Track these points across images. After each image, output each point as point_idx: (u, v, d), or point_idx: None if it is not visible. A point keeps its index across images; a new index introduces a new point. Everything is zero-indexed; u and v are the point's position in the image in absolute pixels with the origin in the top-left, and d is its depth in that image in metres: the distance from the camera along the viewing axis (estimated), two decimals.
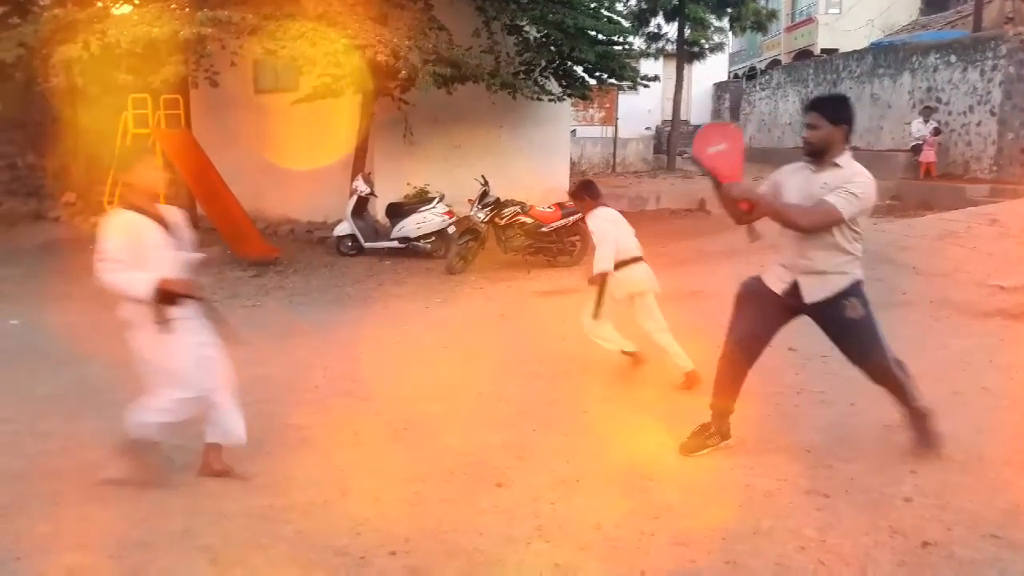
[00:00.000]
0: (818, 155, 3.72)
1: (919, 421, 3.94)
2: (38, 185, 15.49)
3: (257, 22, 9.16)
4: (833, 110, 3.73)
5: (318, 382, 5.44)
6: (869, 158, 17.52)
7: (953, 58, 15.64)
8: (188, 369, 3.70)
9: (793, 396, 4.76)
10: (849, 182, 3.61)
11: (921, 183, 14.77)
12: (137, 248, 3.63)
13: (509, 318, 7.33)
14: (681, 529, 3.33)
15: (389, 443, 4.34)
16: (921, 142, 15.09)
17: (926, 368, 5.17)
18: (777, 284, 3.85)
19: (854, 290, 3.75)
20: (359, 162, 11.56)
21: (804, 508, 3.48)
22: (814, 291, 3.75)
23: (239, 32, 9.10)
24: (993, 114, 14.40)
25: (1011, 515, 3.36)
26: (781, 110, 24.00)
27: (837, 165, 3.69)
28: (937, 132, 15.02)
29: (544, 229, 9.67)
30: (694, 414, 4.33)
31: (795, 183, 3.81)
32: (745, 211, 3.82)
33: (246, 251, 10.31)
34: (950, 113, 15.52)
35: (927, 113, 15.32)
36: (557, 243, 9.74)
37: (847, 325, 3.77)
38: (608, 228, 5.20)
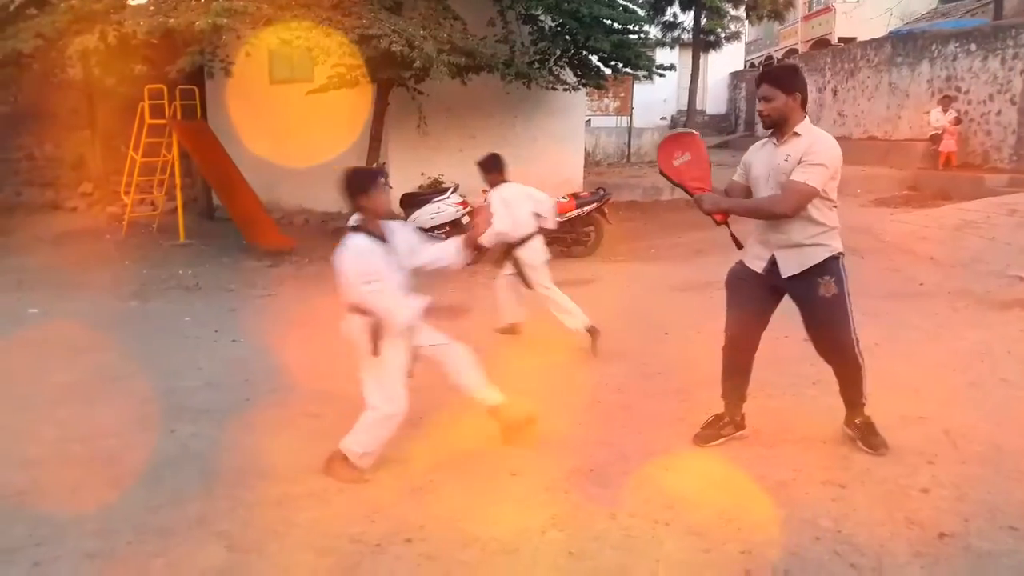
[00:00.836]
0: (778, 127, 3.71)
1: (865, 424, 3.92)
2: (55, 175, 15.61)
3: (272, 12, 9.17)
4: (785, 80, 3.70)
5: (332, 371, 5.45)
6: (887, 148, 17.40)
7: (973, 46, 15.45)
8: (398, 388, 3.76)
9: (809, 387, 4.73)
10: (809, 152, 3.58)
11: (939, 173, 14.62)
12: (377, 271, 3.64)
13: (523, 307, 7.31)
14: (695, 519, 3.32)
15: (403, 431, 4.33)
16: (940, 131, 14.93)
17: (944, 359, 5.15)
18: (757, 263, 3.85)
19: (831, 266, 3.71)
20: (373, 152, 11.57)
21: (820, 498, 3.46)
22: (790, 264, 3.73)
23: (254, 22, 9.11)
24: (1013, 103, 14.23)
25: None
26: None
27: (797, 134, 3.67)
28: (958, 121, 14.86)
29: (558, 219, 9.63)
30: (710, 404, 4.32)
31: (760, 160, 3.80)
32: (720, 222, 3.83)
33: (261, 241, 10.36)
34: (969, 102, 15.35)
35: (946, 102, 15.15)
36: (571, 233, 9.71)
37: (818, 303, 3.73)
38: (500, 208, 5.59)
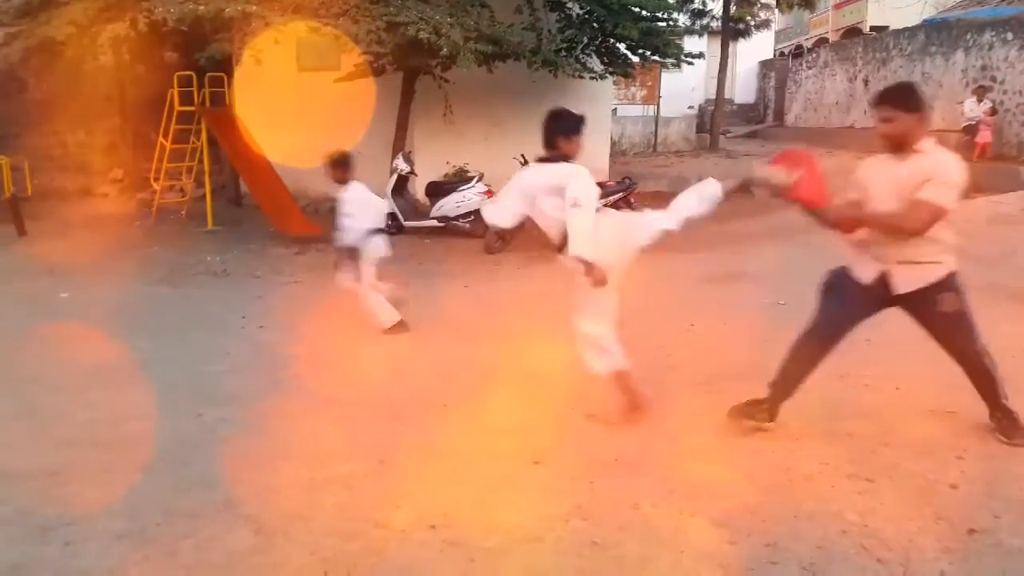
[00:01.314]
0: (898, 147, 3.63)
1: (1007, 417, 3.86)
2: (87, 162, 15.82)
3: (301, 0, 9.21)
4: (906, 99, 3.64)
5: (358, 358, 5.49)
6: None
7: (1009, 35, 15.14)
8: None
9: (836, 380, 4.66)
10: (938, 171, 3.51)
11: (973, 164, 14.35)
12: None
13: (549, 297, 7.28)
14: (720, 510, 3.30)
15: (428, 419, 4.37)
16: (974, 122, 14.66)
17: None
18: (865, 274, 3.75)
19: (950, 282, 3.65)
20: (399, 141, 11.59)
21: (846, 492, 3.43)
22: (905, 282, 3.65)
23: (283, 10, 9.15)
24: None
25: None
26: (828, 89, 23.49)
27: (918, 151, 3.59)
28: (993, 112, 14.58)
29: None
30: (736, 396, 4.30)
31: (882, 179, 3.70)
32: (847, 231, 3.80)
33: (288, 228, 10.44)
34: (1005, 92, 15.05)
35: (980, 93, 14.87)
36: None
37: (939, 319, 3.69)
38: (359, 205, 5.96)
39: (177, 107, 11.43)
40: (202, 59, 9.98)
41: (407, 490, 3.55)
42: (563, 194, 3.92)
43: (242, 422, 4.40)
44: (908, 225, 3.56)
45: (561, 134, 4.10)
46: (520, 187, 4.19)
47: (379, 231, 6.19)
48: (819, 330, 3.88)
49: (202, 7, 8.98)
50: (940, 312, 3.66)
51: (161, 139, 11.89)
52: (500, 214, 4.34)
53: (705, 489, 3.48)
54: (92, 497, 3.51)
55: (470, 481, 3.64)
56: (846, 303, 3.83)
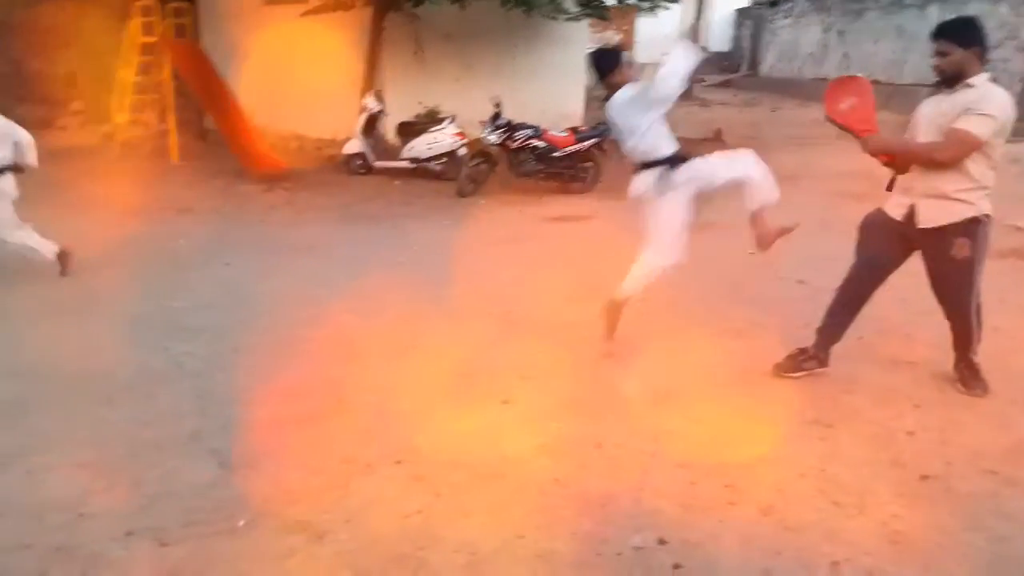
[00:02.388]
0: (951, 82, 3.58)
1: (969, 370, 3.95)
2: (46, 92, 15.27)
3: None
4: (963, 33, 3.58)
5: (325, 297, 5.45)
6: (890, 92, 17.14)
7: None
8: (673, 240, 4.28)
9: (801, 328, 4.73)
10: (979, 102, 3.47)
11: None
12: None
13: (519, 242, 7.29)
14: (682, 451, 3.36)
15: (395, 360, 4.37)
16: None
17: (936, 306, 5.15)
18: (896, 210, 3.77)
19: (971, 227, 3.62)
20: (369, 79, 11.35)
21: (806, 437, 3.51)
22: (930, 215, 3.65)
23: None
24: (1020, 50, 14.01)
25: (1012, 453, 3.38)
26: (803, 40, 23.35)
27: (969, 85, 3.54)
28: None
29: (557, 154, 9.52)
30: (696, 342, 4.37)
31: (928, 112, 3.69)
32: (886, 163, 3.77)
33: (255, 165, 10.22)
34: None
35: None
36: (570, 169, 9.60)
37: (947, 262, 3.69)
38: None
39: (140, 38, 11.04)
40: None
41: (374, 427, 3.56)
42: (643, 107, 4.23)
43: (208, 357, 4.36)
44: (937, 154, 3.54)
45: (610, 68, 4.45)
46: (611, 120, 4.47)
47: (11, 169, 5.65)
48: (857, 271, 3.94)
49: None
50: (949, 256, 3.66)
51: (123, 71, 11.51)
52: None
53: (668, 432, 3.54)
54: (55, 428, 3.48)
55: (437, 419, 3.65)
56: (877, 241, 3.86)
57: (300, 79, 12.19)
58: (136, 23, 11.05)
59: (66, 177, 9.88)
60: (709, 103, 20.20)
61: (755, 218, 4.29)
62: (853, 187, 8.52)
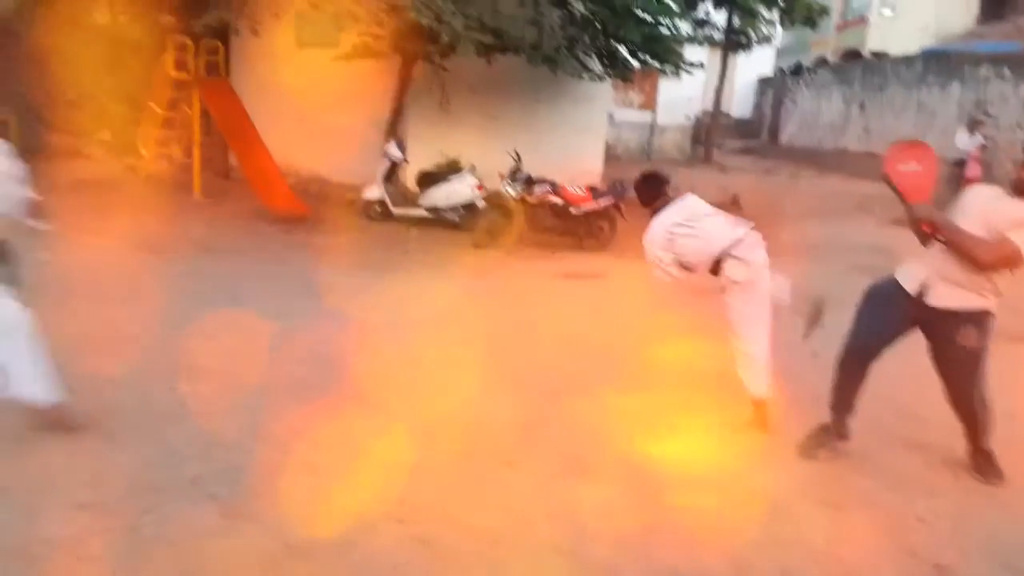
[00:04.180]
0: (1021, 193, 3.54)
1: (984, 457, 3.90)
2: (75, 121, 15.56)
3: None
4: None
5: (338, 344, 5.44)
6: None
7: (1006, 71, 15.28)
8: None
9: (811, 404, 4.68)
10: None
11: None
12: None
13: (530, 297, 7.30)
14: (689, 527, 3.30)
15: (402, 411, 4.33)
16: (964, 155, 14.78)
17: None
18: (910, 282, 3.74)
19: (980, 318, 3.61)
20: (393, 126, 11.51)
21: (816, 519, 3.44)
22: (943, 297, 3.62)
23: None
24: None
25: None
26: (824, 110, 23.59)
27: None
28: (984, 148, 14.70)
29: (573, 211, 9.58)
30: (706, 407, 4.33)
31: (981, 203, 3.65)
32: (927, 234, 3.74)
33: (276, 205, 10.32)
34: (998, 128, 15.19)
35: (974, 126, 14.99)
36: (585, 226, 9.64)
37: (954, 349, 3.66)
38: None
39: (171, 73, 11.27)
40: (199, 26, 9.83)
41: (376, 481, 3.52)
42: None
43: (215, 399, 4.34)
44: (981, 254, 3.50)
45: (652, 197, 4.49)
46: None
47: None
48: (865, 340, 3.88)
49: None
50: (958, 343, 3.63)
51: (152, 104, 11.72)
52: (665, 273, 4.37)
53: (676, 504, 3.48)
54: (56, 465, 3.45)
55: (441, 478, 3.61)
56: (886, 312, 3.82)
57: (325, 123, 12.38)
58: (169, 58, 11.28)
59: (88, 206, 10.01)
60: (728, 168, 20.32)
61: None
62: (871, 260, 8.49)
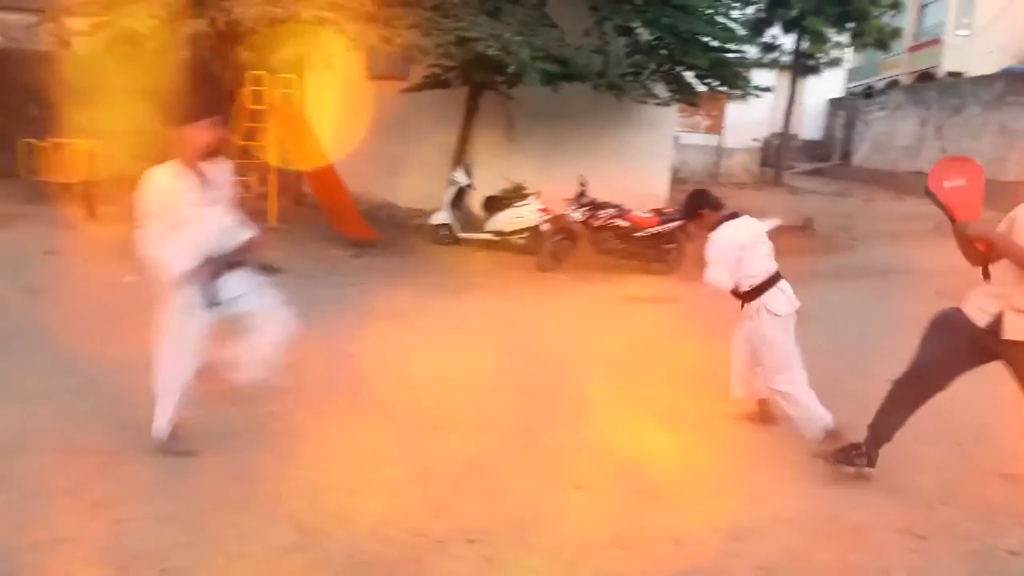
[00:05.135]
0: None
1: None
2: (159, 152, 16.23)
3: (375, 9, 9.37)
4: None
5: (407, 365, 5.52)
6: (993, 189, 16.68)
7: None
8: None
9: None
10: None
11: None
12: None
13: (596, 321, 7.28)
14: (764, 554, 3.23)
15: (473, 432, 4.37)
16: None
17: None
18: (980, 316, 3.57)
19: None
20: (460, 153, 11.69)
21: (897, 548, 3.33)
22: (1017, 328, 3.47)
23: (357, 18, 9.32)
24: None
25: None
26: (898, 132, 23.04)
27: None
28: None
29: (639, 234, 9.56)
30: (787, 436, 4.23)
31: None
32: (981, 252, 3.60)
33: (347, 231, 10.58)
34: None
35: None
36: (652, 249, 9.60)
37: None
38: None
39: (249, 105, 11.70)
40: (275, 61, 10.20)
41: (448, 502, 3.55)
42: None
43: (293, 418, 4.45)
44: None
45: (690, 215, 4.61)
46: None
47: None
48: (922, 372, 3.74)
49: (279, 10, 9.21)
50: None
51: (231, 135, 12.16)
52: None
53: (751, 530, 3.41)
54: (145, 479, 3.59)
55: (511, 499, 3.62)
56: (953, 345, 3.67)
57: (395, 151, 12.65)
58: (247, 91, 11.73)
59: None
60: (798, 190, 19.99)
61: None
62: (947, 284, 8.19)
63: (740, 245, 4.25)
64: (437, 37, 9.20)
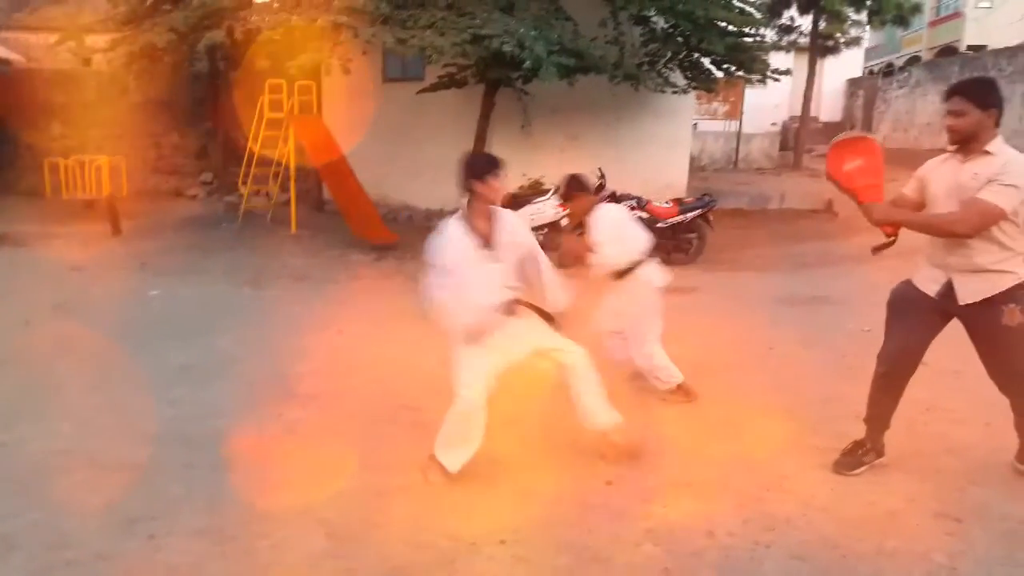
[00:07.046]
0: (965, 144, 3.44)
1: None
2: (179, 164, 16.47)
3: (389, 11, 9.40)
4: (980, 94, 3.42)
5: (433, 366, 5.53)
6: None
7: None
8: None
9: (923, 413, 4.50)
10: (1003, 172, 3.29)
11: None
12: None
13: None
14: (798, 543, 3.21)
15: (501, 432, 4.36)
16: None
17: None
18: (930, 286, 3.58)
19: (1017, 293, 3.40)
20: (477, 151, 11.68)
21: (933, 531, 3.29)
22: (969, 291, 3.45)
23: (372, 21, 9.35)
24: None
25: None
26: (919, 109, 22.72)
27: (988, 152, 3.39)
28: None
29: (660, 225, 9.50)
30: (817, 424, 4.19)
31: (942, 177, 3.52)
32: (891, 235, 3.62)
33: (368, 235, 10.64)
34: None
35: None
36: (673, 240, 9.55)
37: (1000, 333, 3.44)
38: None
39: (267, 114, 11.81)
40: (292, 67, 10.26)
41: (478, 503, 3.56)
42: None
43: (320, 424, 4.49)
44: (958, 227, 3.36)
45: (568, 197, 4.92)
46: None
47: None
48: (896, 358, 3.71)
49: (295, 17, 9.27)
50: (1001, 325, 3.41)
51: (251, 144, 12.28)
52: None
53: (783, 520, 3.38)
54: (175, 492, 3.63)
55: (542, 498, 3.62)
56: (916, 322, 3.64)
57: (412, 152, 12.71)
58: (265, 100, 11.84)
59: (193, 244, 10.54)
60: (819, 173, 19.74)
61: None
62: None
63: (623, 222, 4.73)
64: (452, 36, 9.19)
